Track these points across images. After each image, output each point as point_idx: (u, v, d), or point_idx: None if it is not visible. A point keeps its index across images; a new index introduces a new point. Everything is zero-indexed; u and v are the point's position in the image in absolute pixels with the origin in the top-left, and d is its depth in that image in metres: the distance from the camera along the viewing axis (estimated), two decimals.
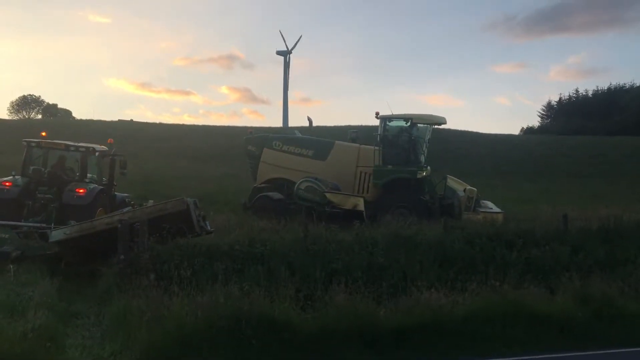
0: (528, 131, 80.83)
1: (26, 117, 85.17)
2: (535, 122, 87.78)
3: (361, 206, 18.05)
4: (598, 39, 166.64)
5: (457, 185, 20.22)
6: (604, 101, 76.30)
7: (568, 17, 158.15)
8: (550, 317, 8.94)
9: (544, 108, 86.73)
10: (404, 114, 20.16)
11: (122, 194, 16.66)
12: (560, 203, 22.35)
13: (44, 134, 15.54)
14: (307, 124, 24.80)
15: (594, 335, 8.81)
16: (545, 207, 20.64)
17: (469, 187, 19.53)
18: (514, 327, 8.68)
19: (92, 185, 14.34)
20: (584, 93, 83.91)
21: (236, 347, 7.63)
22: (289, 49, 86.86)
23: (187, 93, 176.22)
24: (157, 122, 67.79)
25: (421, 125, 20.07)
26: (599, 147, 47.59)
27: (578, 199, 26.69)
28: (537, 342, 8.49)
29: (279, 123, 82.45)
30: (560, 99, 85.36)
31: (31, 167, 14.53)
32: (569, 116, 75.40)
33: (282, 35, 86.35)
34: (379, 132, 19.95)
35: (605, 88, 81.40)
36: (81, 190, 13.82)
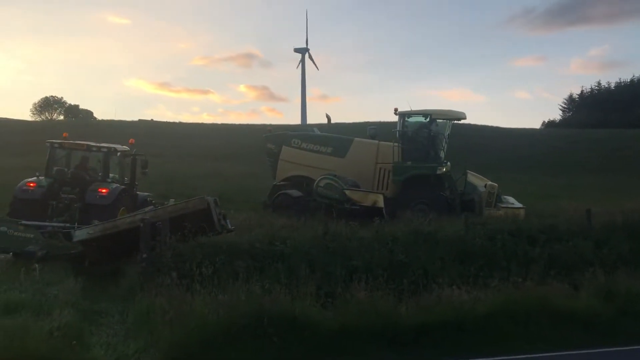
0: (549, 125, 79.91)
1: (49, 118, 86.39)
2: (556, 115, 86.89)
3: (381, 203, 17.99)
4: (620, 30, 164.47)
5: (477, 180, 20.07)
6: (627, 94, 75.11)
7: (589, 9, 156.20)
8: (575, 313, 8.82)
9: (565, 101, 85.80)
10: (423, 110, 20.07)
11: (144, 194, 16.82)
12: (582, 198, 22.04)
13: (66, 135, 15.74)
14: (325, 121, 24.73)
15: (619, 331, 8.68)
16: (567, 202, 20.37)
17: (489, 182, 19.38)
18: (537, 324, 8.58)
19: (114, 185, 14.50)
20: (606, 85, 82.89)
21: (258, 344, 7.66)
22: (305, 46, 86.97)
23: (206, 92, 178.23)
24: (177, 121, 68.58)
25: (440, 120, 19.96)
26: (622, 140, 46.91)
27: (601, 193, 26.31)
28: (561, 339, 8.39)
29: (297, 120, 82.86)
30: (582, 91, 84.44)
31: (54, 168, 14.75)
32: (591, 109, 74.36)
33: (300, 55, 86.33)
34: (398, 129, 19.88)
35: (628, 80, 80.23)
36: (104, 190, 13.99)
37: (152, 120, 67.77)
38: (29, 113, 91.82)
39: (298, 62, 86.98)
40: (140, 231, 9.85)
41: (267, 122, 63.29)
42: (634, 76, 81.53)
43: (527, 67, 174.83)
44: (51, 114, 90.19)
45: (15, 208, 13.71)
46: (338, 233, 11.45)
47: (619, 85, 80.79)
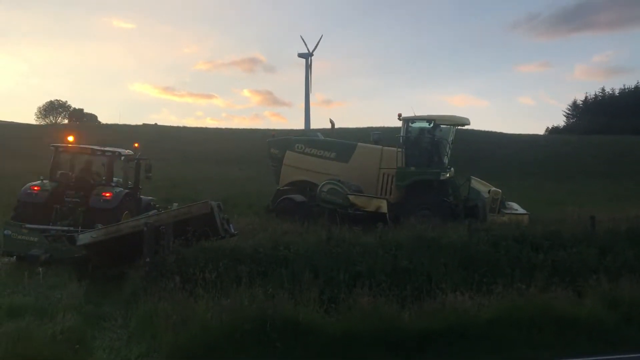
0: (553, 131, 79.95)
1: (53, 122, 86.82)
2: (560, 121, 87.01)
3: (384, 208, 17.97)
4: (625, 36, 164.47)
5: (481, 186, 20.04)
6: (631, 100, 75.20)
7: (593, 15, 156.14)
8: (578, 320, 8.79)
9: (569, 107, 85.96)
10: (427, 115, 20.04)
11: (148, 198, 16.82)
12: (587, 204, 21.99)
13: (71, 138, 15.77)
14: (329, 126, 24.84)
15: (623, 338, 8.64)
16: (571, 208, 20.32)
17: (493, 188, 19.33)
18: (540, 331, 8.56)
19: (118, 189, 14.51)
20: (610, 92, 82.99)
21: (261, 350, 7.66)
22: (311, 51, 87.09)
23: (210, 97, 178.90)
24: (181, 125, 68.90)
25: (444, 126, 19.94)
26: (626, 146, 46.85)
27: (605, 199, 26.25)
28: (565, 347, 8.36)
29: (300, 125, 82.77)
30: (586, 98, 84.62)
31: (59, 172, 14.76)
32: (595, 115, 74.37)
33: (303, 41, 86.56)
34: (401, 134, 19.85)
35: (632, 87, 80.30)
36: (107, 194, 14.00)
37: (156, 124, 68.07)
38: (34, 117, 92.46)
39: (306, 52, 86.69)
40: (143, 235, 9.86)
41: (271, 127, 63.59)
42: (638, 82, 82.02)
43: (531, 73, 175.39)
44: (56, 117, 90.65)
45: (19, 211, 13.74)
46: (341, 238, 11.43)
47: (623, 92, 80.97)
